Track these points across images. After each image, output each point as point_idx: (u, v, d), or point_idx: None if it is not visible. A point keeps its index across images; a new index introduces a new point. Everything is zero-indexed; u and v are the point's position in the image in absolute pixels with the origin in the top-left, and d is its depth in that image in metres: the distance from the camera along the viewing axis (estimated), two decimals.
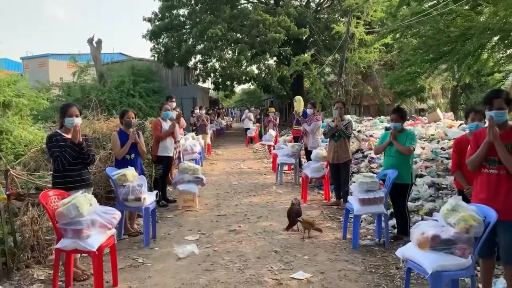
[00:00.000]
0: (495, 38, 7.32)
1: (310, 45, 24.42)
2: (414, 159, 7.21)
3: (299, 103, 10.38)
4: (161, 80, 24.80)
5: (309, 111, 9.18)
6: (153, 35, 22.87)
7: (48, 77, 30.29)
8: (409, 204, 5.76)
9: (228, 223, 6.11)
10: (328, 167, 7.36)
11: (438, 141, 10.27)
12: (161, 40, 23.35)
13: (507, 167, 3.25)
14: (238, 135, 24.64)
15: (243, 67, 22.51)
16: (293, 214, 5.63)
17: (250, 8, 22.38)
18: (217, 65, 23.38)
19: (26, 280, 4.05)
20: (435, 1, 7.20)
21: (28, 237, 4.25)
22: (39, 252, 4.32)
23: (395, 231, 5.50)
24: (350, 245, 5.08)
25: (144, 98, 21.02)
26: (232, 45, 22.18)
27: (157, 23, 23.29)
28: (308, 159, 9.14)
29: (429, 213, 5.97)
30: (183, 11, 23.96)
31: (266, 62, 22.82)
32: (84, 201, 3.70)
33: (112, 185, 5.25)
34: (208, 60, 23.73)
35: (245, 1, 25.15)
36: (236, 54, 21.72)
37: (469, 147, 3.65)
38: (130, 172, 5.20)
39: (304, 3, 25.50)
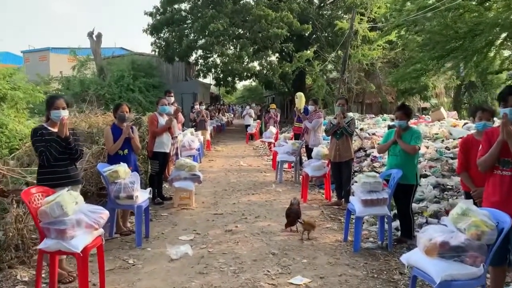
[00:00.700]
0: (503, 35, 7.08)
1: (312, 42, 24.08)
2: (418, 159, 6.97)
3: (300, 99, 10.15)
4: (161, 75, 24.55)
5: (310, 108, 8.94)
6: (154, 30, 22.60)
7: (48, 71, 30.10)
8: (413, 205, 5.52)
9: (225, 222, 5.89)
10: (329, 166, 7.14)
11: (443, 140, 10.03)
12: (162, 35, 23.07)
13: None
14: (239, 131, 24.40)
15: (245, 63, 22.24)
16: (292, 214, 5.41)
17: (252, 3, 22.08)
18: (218, 60, 23.13)
19: (8, 281, 3.83)
20: None
21: (12, 236, 4.03)
22: (24, 252, 4.10)
23: (398, 233, 5.28)
24: (351, 248, 4.86)
25: (144, 93, 20.79)
26: (234, 40, 21.91)
27: (158, 17, 23.00)
28: (309, 157, 8.91)
29: (434, 215, 5.75)
30: (184, 6, 23.68)
31: (268, 58, 22.56)
32: (69, 199, 3.47)
33: (104, 182, 5.03)
34: (209, 55, 23.45)
35: None
36: (238, 49, 21.46)
37: (480, 146, 3.42)
38: (122, 168, 4.97)
39: None
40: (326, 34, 23.56)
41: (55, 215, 3.37)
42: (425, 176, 7.21)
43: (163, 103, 7.09)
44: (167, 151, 7.07)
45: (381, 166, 8.46)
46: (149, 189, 5.43)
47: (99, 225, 3.59)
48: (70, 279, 3.84)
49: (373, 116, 18.57)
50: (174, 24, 22.32)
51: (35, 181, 4.96)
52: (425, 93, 22.26)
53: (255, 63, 22.83)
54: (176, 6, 23.30)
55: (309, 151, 8.90)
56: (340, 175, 6.84)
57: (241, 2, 22.84)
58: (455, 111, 18.33)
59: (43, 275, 3.69)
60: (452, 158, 8.30)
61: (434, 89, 22.95)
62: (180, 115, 9.83)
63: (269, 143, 13.91)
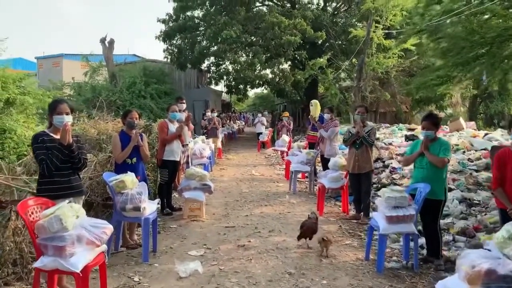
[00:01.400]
0: None
1: (326, 50, 23.80)
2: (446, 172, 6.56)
3: (315, 107, 9.81)
4: (173, 82, 24.40)
5: (326, 116, 8.62)
6: (166, 36, 22.51)
7: (61, 77, 30.23)
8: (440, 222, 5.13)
9: (237, 236, 5.55)
10: (347, 177, 6.77)
11: (464, 152, 9.60)
12: (174, 42, 22.97)
13: None
14: (250, 139, 24.11)
15: (257, 71, 22.00)
16: (306, 227, 5.04)
17: (266, 10, 21.88)
18: (230, 67, 22.93)
19: None
20: None
21: (9, 250, 3.74)
22: (22, 268, 3.80)
23: (424, 251, 4.89)
24: (374, 267, 4.48)
25: (156, 100, 20.61)
26: (246, 48, 21.71)
27: (171, 24, 22.93)
28: (325, 167, 8.55)
29: (462, 232, 5.36)
30: (197, 13, 23.59)
31: (280, 66, 22.30)
32: (69, 212, 3.18)
33: (109, 192, 4.74)
34: (221, 62, 23.27)
35: (260, 4, 24.67)
36: (250, 57, 21.23)
37: None
38: (129, 178, 4.68)
39: (321, 7, 24.95)
40: (339, 42, 23.23)
41: (54, 230, 3.08)
42: (449, 189, 6.80)
43: (174, 110, 6.81)
44: (177, 159, 6.78)
45: (401, 178, 8.08)
46: (157, 200, 5.13)
47: (102, 241, 3.29)
48: None
49: (388, 125, 18.12)
50: (186, 31, 22.22)
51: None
52: (441, 102, 21.73)
53: (267, 71, 22.58)
54: (189, 13, 23.21)
55: (324, 161, 8.55)
56: (359, 187, 6.47)
57: (254, 9, 22.68)
58: (473, 121, 17.76)
59: None
60: (476, 171, 7.89)
61: (451, 99, 22.40)
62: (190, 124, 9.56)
63: (282, 152, 13.57)
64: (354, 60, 20.38)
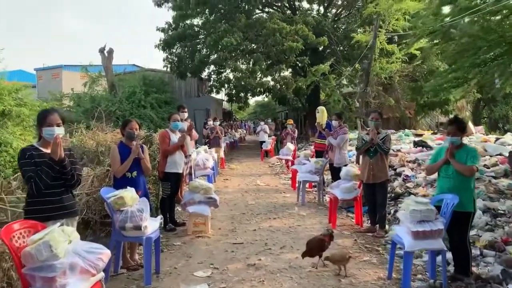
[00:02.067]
0: None
1: (327, 56, 23.53)
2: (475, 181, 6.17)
3: (322, 114, 9.44)
4: (173, 91, 24.06)
5: (334, 122, 8.25)
6: (166, 45, 22.20)
7: (61, 88, 29.97)
8: None
9: (246, 254, 5.14)
10: (361, 187, 6.38)
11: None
12: (174, 50, 22.67)
13: None
14: (252, 148, 23.74)
15: (258, 78, 21.68)
16: (311, 244, 4.61)
17: (266, 17, 21.60)
18: (231, 75, 22.62)
19: None
20: None
21: None
22: None
23: (451, 268, 4.48)
24: (399, 287, 4.08)
25: (156, 109, 20.27)
26: (247, 55, 21.42)
27: (170, 33, 22.66)
28: (334, 176, 8.17)
29: (490, 246, 4.94)
30: (197, 21, 23.32)
31: (281, 73, 21.99)
32: (60, 237, 2.80)
33: (107, 210, 4.35)
34: (222, 70, 22.97)
35: (260, 11, 24.42)
36: (251, 64, 20.93)
37: None
38: (129, 194, 4.29)
39: (321, 13, 24.69)
40: (341, 48, 22.94)
41: (43, 258, 2.69)
42: None
43: (175, 119, 6.44)
44: (180, 171, 6.39)
45: (415, 186, 7.68)
46: (159, 217, 4.74)
47: (98, 269, 2.90)
48: None
49: (394, 131, 17.76)
50: (186, 39, 21.93)
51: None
52: (446, 107, 21.36)
53: (269, 78, 22.28)
54: (188, 21, 22.94)
55: (333, 170, 8.17)
56: (374, 198, 6.07)
57: (255, 16, 22.40)
58: (480, 126, 17.40)
59: None
60: (494, 177, 7.49)
61: (456, 103, 22.04)
62: (194, 132, 9.19)
63: (287, 161, 13.17)
64: (357, 65, 20.06)
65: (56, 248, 2.72)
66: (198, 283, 4.16)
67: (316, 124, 9.67)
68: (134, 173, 4.88)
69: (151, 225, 4.36)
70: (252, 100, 40.10)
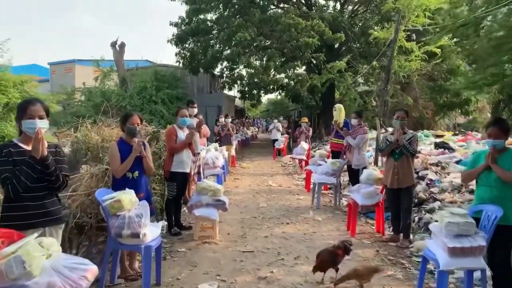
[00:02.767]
0: None
1: (343, 53, 22.90)
2: None
3: (339, 112, 8.90)
4: (185, 87, 23.66)
5: (353, 121, 7.70)
6: (178, 40, 21.80)
7: (74, 83, 29.86)
8: None
9: (257, 264, 4.65)
10: (383, 192, 5.84)
11: None
12: (186, 45, 22.26)
13: None
14: (264, 146, 23.26)
15: (272, 75, 21.17)
16: (321, 257, 4.09)
17: (281, 12, 21.04)
18: (244, 72, 22.14)
19: None
20: None
21: None
22: None
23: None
24: None
25: (167, 105, 19.90)
26: (261, 51, 20.91)
27: (183, 27, 22.25)
28: (352, 179, 7.65)
29: None
30: (210, 16, 22.87)
31: (296, 70, 21.42)
32: (36, 251, 2.34)
33: (103, 214, 3.90)
34: (235, 66, 22.49)
35: (275, 7, 23.85)
36: (265, 60, 20.42)
37: None
38: (127, 197, 3.84)
39: (338, 9, 24.05)
40: (358, 45, 22.28)
41: (13, 276, 2.25)
42: None
43: (184, 114, 5.96)
44: (187, 171, 5.93)
45: (440, 191, 7.11)
46: (161, 223, 4.29)
47: None
48: None
49: (412, 132, 17.10)
50: (199, 35, 21.49)
51: None
52: (466, 107, 20.57)
53: (282, 75, 21.76)
54: (201, 16, 22.50)
55: (351, 172, 7.64)
56: (398, 204, 5.54)
57: (269, 11, 21.86)
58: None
59: None
60: None
61: (477, 103, 21.22)
62: (205, 128, 8.74)
63: (300, 160, 12.66)
64: (375, 63, 19.41)
65: (30, 265, 2.27)
66: None
67: (333, 122, 9.15)
68: (136, 173, 4.44)
69: (151, 232, 3.90)
70: (264, 98, 39.61)
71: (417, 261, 4.82)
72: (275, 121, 20.10)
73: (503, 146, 3.79)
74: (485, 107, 22.72)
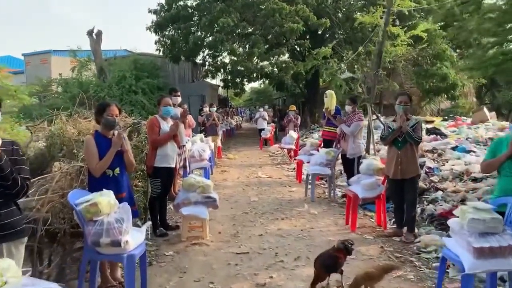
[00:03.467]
0: None
1: (327, 39, 22.47)
2: None
3: (330, 98, 8.49)
4: (166, 76, 22.89)
5: (348, 108, 7.28)
6: (158, 27, 20.97)
7: (50, 74, 28.75)
8: None
9: (254, 269, 4.20)
10: (385, 183, 5.45)
11: None
12: (166, 33, 21.46)
13: None
14: (249, 136, 22.81)
15: (255, 62, 20.62)
16: (319, 265, 3.63)
17: None
18: (227, 59, 21.52)
19: None
20: None
21: None
22: None
23: None
24: None
25: (148, 95, 19.18)
26: (244, 39, 20.31)
27: (163, 14, 21.43)
28: (347, 169, 7.24)
29: None
30: (191, 2, 22.08)
31: (281, 56, 20.91)
32: None
33: (77, 220, 3.38)
34: (217, 54, 21.84)
35: None
36: (249, 47, 19.83)
37: None
38: (105, 199, 3.32)
39: None
40: (342, 31, 21.87)
41: None
42: None
43: (167, 103, 5.41)
44: (172, 165, 5.41)
45: (441, 180, 6.77)
46: (145, 226, 3.77)
47: None
48: None
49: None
50: (180, 21, 20.69)
51: None
52: (452, 92, 20.42)
53: (266, 63, 21.23)
54: (181, 2, 21.71)
55: (346, 161, 7.23)
56: (401, 196, 5.15)
57: None
58: (493, 112, 16.50)
59: None
60: None
61: (463, 88, 21.09)
62: (191, 118, 8.21)
63: (289, 150, 12.24)
64: (361, 49, 19.06)
65: None
66: None
67: (324, 110, 8.73)
68: (117, 170, 3.92)
69: (134, 239, 3.40)
70: (247, 87, 39.01)
71: (427, 258, 4.46)
72: (261, 110, 19.62)
73: None
74: (471, 91, 22.68)
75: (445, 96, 21.36)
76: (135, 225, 5.39)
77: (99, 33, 19.89)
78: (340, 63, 20.54)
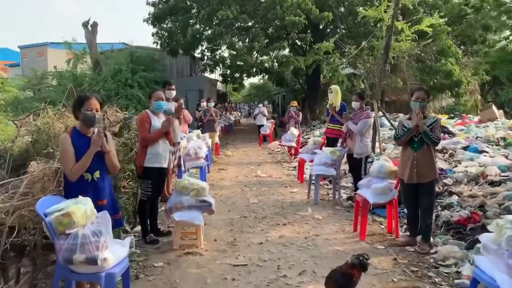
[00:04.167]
0: None
1: (329, 33, 21.97)
2: None
3: (335, 94, 8.02)
4: (164, 70, 22.29)
5: (355, 104, 6.77)
6: (155, 19, 20.39)
7: (46, 67, 28.17)
8: None
9: (253, 284, 3.72)
10: (398, 188, 4.97)
11: None
12: (164, 25, 20.89)
13: None
14: (248, 132, 22.33)
15: (255, 56, 20.11)
16: (333, 283, 3.16)
17: None
18: (226, 53, 21.00)
19: None
20: None
21: None
22: None
23: None
24: None
25: (144, 89, 18.58)
26: (244, 32, 19.78)
27: (160, 6, 20.86)
28: (354, 169, 6.76)
29: None
30: None
31: (281, 51, 20.40)
32: None
33: (47, 233, 2.88)
34: (216, 48, 21.29)
35: None
36: (249, 41, 19.31)
37: None
38: (80, 208, 2.84)
39: None
40: (345, 25, 21.35)
41: None
42: None
43: (159, 97, 4.91)
44: (164, 165, 4.91)
45: (455, 183, 6.30)
46: (128, 239, 3.27)
47: None
48: None
49: (403, 115, 16.38)
50: (178, 13, 20.14)
51: None
52: (457, 89, 19.91)
53: (266, 57, 20.73)
54: None
55: (352, 161, 6.74)
56: (416, 202, 4.68)
57: None
58: (501, 110, 16.00)
59: None
60: None
61: (468, 85, 20.57)
62: (186, 113, 7.73)
63: (289, 148, 11.76)
64: (364, 43, 18.55)
65: None
66: None
67: (328, 106, 8.25)
68: (97, 174, 3.43)
69: (115, 254, 2.92)
70: (246, 82, 38.44)
71: (446, 273, 3.98)
72: (260, 105, 19.11)
73: None
74: (476, 89, 22.20)
75: (449, 93, 20.86)
76: (123, 231, 4.96)
77: (95, 25, 19.31)
78: (342, 58, 20.07)
